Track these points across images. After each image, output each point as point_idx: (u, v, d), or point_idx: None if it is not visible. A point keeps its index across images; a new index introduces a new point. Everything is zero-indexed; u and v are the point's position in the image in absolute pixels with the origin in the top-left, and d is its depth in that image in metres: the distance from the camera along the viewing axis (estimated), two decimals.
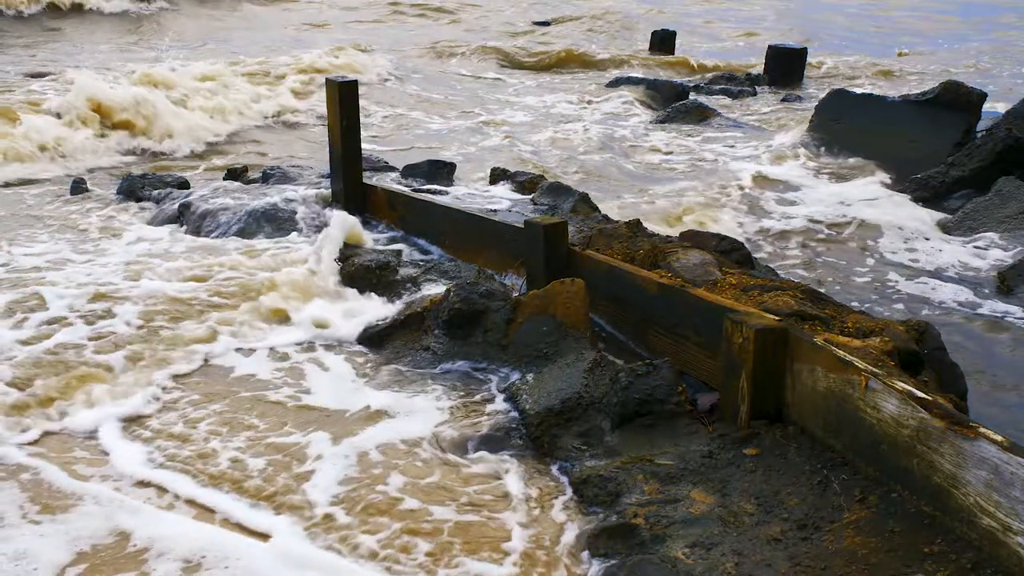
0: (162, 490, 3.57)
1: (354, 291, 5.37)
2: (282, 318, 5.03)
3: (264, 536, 3.29)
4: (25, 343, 4.54)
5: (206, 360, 4.61)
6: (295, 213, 6.49)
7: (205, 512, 3.45)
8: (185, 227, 6.58)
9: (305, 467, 3.74)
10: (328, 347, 4.84)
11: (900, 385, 3.00)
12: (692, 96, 13.53)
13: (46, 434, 3.94)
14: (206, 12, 19.78)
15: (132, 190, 7.47)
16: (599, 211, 6.52)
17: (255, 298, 5.11)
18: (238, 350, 4.72)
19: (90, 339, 4.63)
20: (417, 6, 22.40)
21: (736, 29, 21.68)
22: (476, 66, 15.97)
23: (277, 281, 5.21)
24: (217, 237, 6.28)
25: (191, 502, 3.50)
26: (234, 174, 7.66)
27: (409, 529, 3.35)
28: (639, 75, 14.96)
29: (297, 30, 18.64)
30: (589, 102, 13.16)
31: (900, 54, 18.85)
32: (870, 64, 16.81)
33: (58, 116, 9.23)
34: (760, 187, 9.02)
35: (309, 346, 4.83)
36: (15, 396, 4.09)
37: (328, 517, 3.42)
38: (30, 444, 3.85)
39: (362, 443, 3.93)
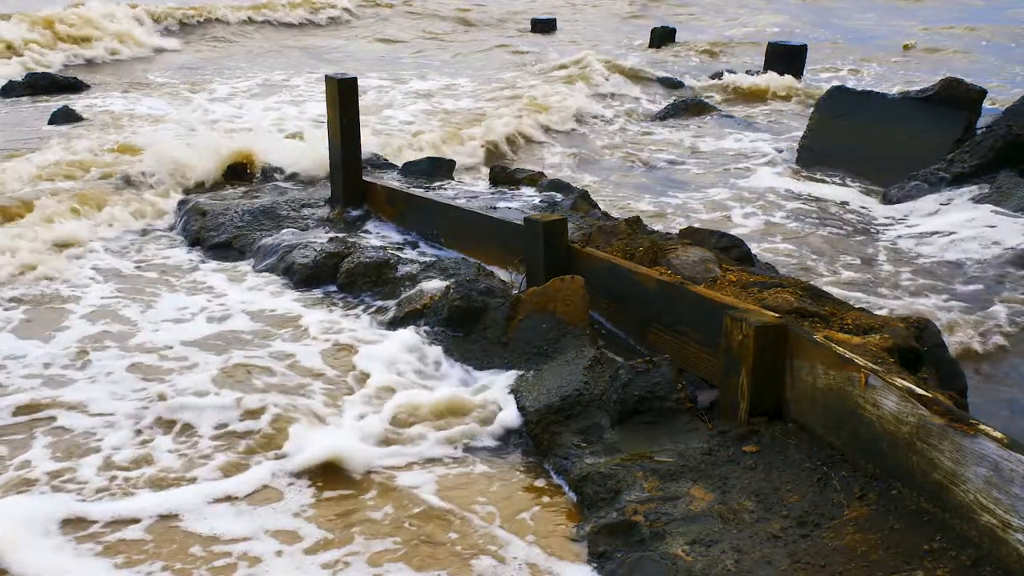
0: None
1: None
2: None
3: None
4: None
5: None
6: (295, 211, 6.50)
7: None
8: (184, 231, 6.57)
9: None
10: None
11: (900, 382, 3.00)
12: (691, 94, 13.52)
13: None
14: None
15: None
16: (598, 208, 6.51)
17: None
18: None
19: None
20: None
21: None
22: None
23: None
24: (218, 242, 6.30)
25: None
26: (235, 172, 7.64)
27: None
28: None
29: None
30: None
31: (906, 47, 18.53)
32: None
33: None
34: (756, 185, 9.02)
35: None
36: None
37: None
38: None
39: None
